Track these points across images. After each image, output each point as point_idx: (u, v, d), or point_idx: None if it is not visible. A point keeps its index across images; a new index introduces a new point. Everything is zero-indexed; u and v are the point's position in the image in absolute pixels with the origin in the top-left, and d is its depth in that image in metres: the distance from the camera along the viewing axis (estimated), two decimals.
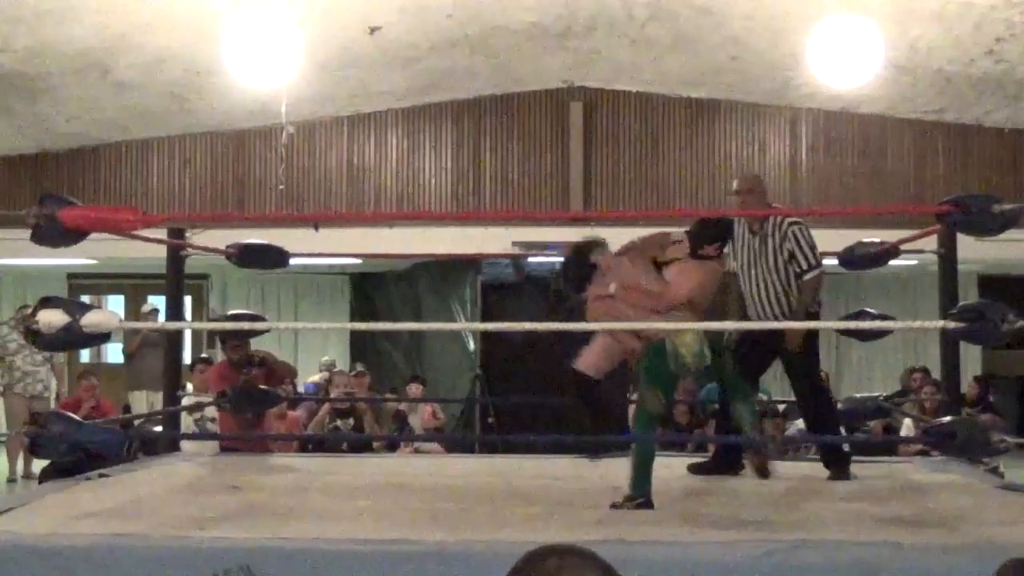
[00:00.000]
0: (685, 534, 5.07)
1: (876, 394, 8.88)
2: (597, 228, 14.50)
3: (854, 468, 7.15)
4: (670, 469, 7.30)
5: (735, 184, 7.52)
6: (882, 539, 4.80)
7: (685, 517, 5.72)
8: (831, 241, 9.21)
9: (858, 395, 9.24)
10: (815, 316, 7.26)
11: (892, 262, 8.60)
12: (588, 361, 6.36)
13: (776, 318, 7.16)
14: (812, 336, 7.28)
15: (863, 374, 17.34)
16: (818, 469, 7.20)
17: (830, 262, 7.77)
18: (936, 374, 10.01)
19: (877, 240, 8.24)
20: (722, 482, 6.95)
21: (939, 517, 5.61)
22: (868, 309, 8.93)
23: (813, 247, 7.13)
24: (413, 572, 4.52)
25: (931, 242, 7.93)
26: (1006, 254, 13.58)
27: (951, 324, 5.67)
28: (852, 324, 8.26)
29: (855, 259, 8.31)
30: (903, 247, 7.97)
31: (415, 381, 14.15)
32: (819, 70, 12.17)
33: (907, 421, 10.78)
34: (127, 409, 14.55)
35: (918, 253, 8.38)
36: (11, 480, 13.50)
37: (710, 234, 6.47)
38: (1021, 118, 14.61)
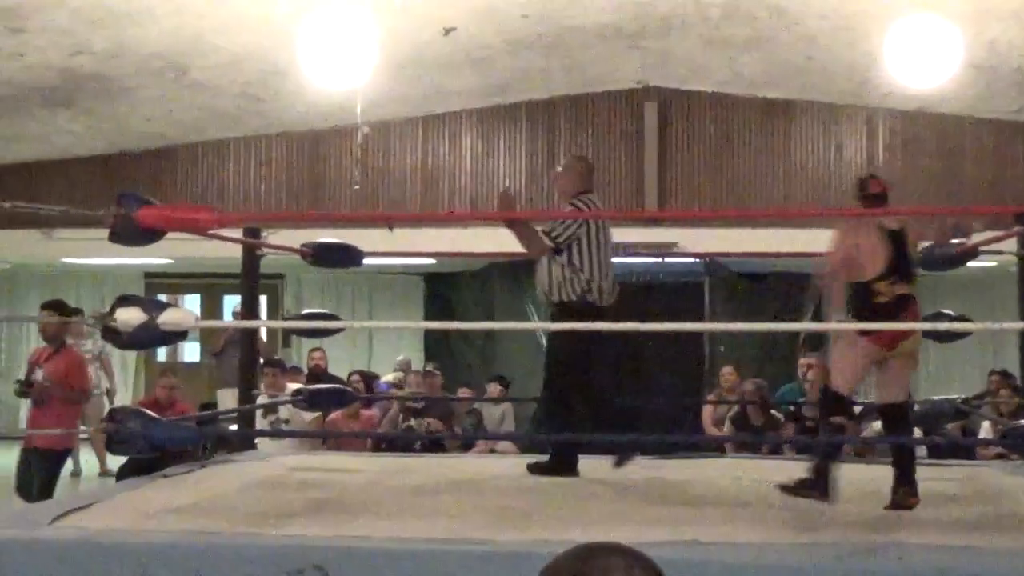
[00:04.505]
0: (757, 536, 5.02)
1: (954, 396, 8.75)
2: (672, 228, 14.53)
3: (930, 471, 7.05)
4: (743, 471, 7.27)
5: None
6: (959, 543, 4.74)
7: (757, 519, 5.67)
8: None
9: (935, 397, 9.11)
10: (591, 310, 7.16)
11: (971, 263, 8.51)
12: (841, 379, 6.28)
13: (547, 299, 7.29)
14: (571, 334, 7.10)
15: (941, 376, 17.11)
16: (890, 472, 7.09)
17: None
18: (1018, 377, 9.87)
19: (956, 241, 8.15)
20: None
21: (1018, 521, 5.53)
22: (946, 311, 8.83)
23: (563, 222, 7.22)
24: (485, 571, 4.52)
25: (1010, 243, 7.82)
26: None
27: None
28: (930, 325, 8.18)
29: (933, 260, 8.22)
30: (982, 248, 7.87)
31: (495, 380, 14.01)
32: (896, 70, 12.07)
33: (985, 424, 10.65)
34: (207, 407, 14.64)
35: (997, 254, 8.26)
36: None
37: None
38: None
